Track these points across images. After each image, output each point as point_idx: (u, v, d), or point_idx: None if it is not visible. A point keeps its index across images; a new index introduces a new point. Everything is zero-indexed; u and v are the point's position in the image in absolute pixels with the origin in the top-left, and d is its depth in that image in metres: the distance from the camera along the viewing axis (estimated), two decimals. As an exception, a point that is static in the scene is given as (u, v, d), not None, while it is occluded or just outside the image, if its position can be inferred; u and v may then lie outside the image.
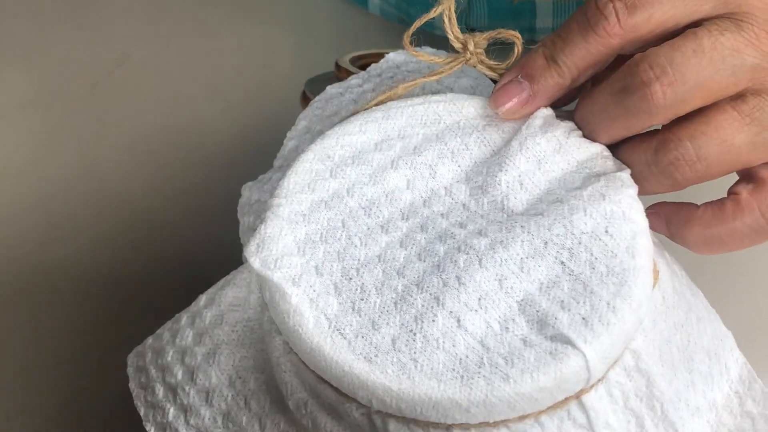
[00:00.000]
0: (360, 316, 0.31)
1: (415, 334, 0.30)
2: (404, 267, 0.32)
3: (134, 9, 0.66)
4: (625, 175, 0.34)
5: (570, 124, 0.36)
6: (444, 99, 0.36)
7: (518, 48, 0.36)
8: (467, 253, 0.32)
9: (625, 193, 0.33)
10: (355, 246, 0.33)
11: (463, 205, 0.35)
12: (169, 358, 0.35)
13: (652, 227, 0.34)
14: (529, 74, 0.35)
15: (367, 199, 0.34)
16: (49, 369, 0.48)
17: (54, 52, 0.62)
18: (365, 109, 0.37)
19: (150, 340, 0.37)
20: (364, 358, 0.30)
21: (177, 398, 0.34)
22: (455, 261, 0.32)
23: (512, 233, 0.32)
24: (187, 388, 0.34)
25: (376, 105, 0.37)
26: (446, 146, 0.36)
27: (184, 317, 0.36)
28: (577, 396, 0.31)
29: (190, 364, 0.35)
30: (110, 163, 0.58)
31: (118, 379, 0.38)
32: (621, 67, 0.34)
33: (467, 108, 0.36)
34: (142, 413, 0.35)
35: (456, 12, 0.36)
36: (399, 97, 0.37)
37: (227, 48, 0.63)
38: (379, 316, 0.31)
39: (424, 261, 0.32)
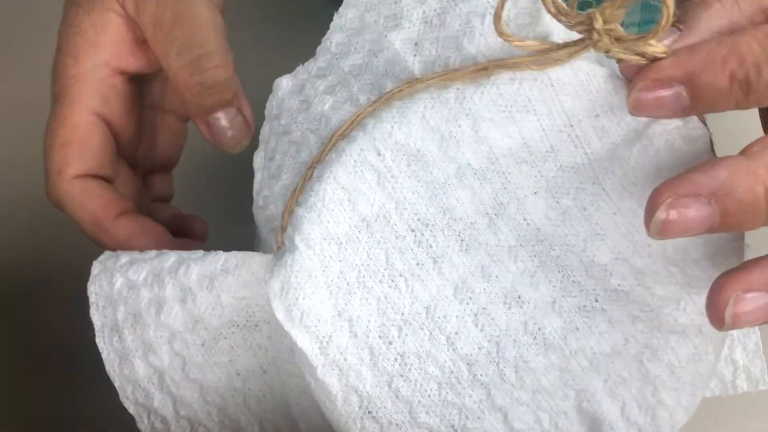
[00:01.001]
0: (396, 397, 0.26)
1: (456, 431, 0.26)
2: (456, 334, 0.27)
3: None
4: (740, 238, 0.27)
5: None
6: (537, 77, 0.27)
7: (668, 11, 0.24)
8: (534, 337, 0.27)
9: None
10: (400, 291, 0.27)
11: (537, 231, 0.28)
12: (151, 333, 0.30)
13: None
14: (696, 90, 0.24)
15: (419, 219, 0.28)
16: (47, 370, 0.48)
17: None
18: (434, 78, 0.28)
19: (118, 281, 0.31)
20: None
21: (164, 385, 0.30)
22: (518, 345, 0.27)
23: (591, 318, 0.27)
24: (176, 378, 0.30)
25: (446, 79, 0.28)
26: (527, 149, 0.28)
27: (168, 284, 0.30)
28: None
29: (181, 352, 0.30)
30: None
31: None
32: None
33: (564, 95, 0.27)
34: (116, 384, 0.31)
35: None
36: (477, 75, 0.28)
37: (227, 48, 0.62)
38: (419, 402, 0.26)
39: (482, 330, 0.27)
